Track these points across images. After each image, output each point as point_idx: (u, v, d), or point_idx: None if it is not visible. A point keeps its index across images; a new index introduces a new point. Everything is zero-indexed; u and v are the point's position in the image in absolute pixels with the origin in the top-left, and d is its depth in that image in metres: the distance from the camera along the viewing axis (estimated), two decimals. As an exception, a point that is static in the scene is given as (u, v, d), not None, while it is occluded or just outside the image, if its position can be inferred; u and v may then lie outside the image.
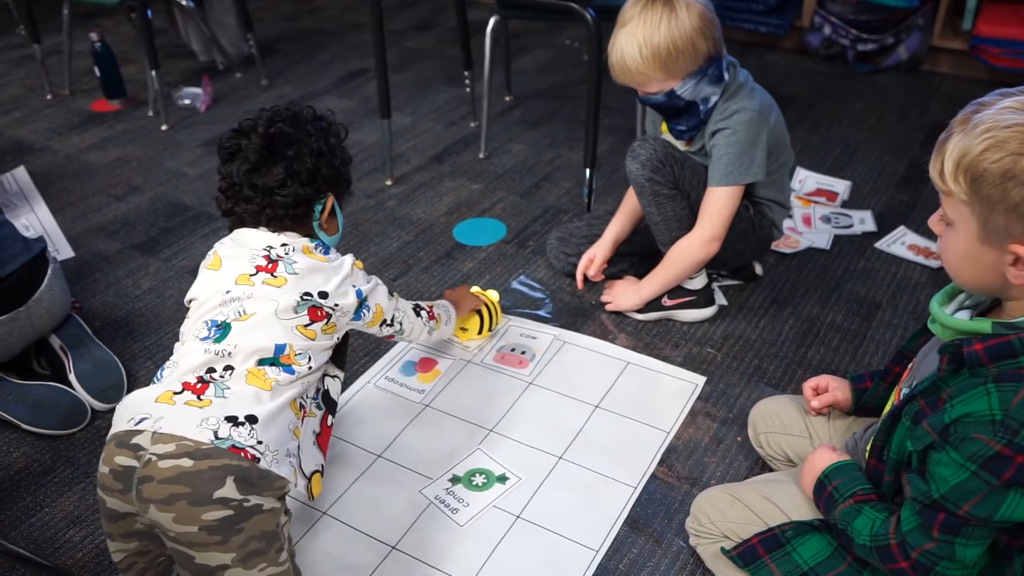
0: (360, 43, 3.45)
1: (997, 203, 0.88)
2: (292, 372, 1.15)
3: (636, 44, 1.54)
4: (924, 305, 1.83)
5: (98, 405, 1.59)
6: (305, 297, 1.19)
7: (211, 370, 1.12)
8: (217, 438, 1.04)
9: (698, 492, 1.30)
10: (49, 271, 1.62)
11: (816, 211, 2.18)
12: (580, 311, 1.85)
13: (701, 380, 1.64)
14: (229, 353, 1.12)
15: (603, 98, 2.03)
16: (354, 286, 1.26)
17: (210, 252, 1.26)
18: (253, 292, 1.18)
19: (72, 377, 1.61)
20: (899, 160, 2.44)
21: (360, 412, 1.59)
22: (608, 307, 1.82)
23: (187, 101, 2.90)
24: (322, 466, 1.22)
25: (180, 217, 2.25)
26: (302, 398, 1.18)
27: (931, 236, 2.05)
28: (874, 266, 1.97)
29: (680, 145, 1.72)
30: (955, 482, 0.92)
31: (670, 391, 1.62)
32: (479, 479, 1.44)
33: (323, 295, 1.21)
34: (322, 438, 1.23)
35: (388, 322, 1.38)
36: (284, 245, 1.22)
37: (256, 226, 1.24)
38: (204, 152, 2.59)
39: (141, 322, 1.85)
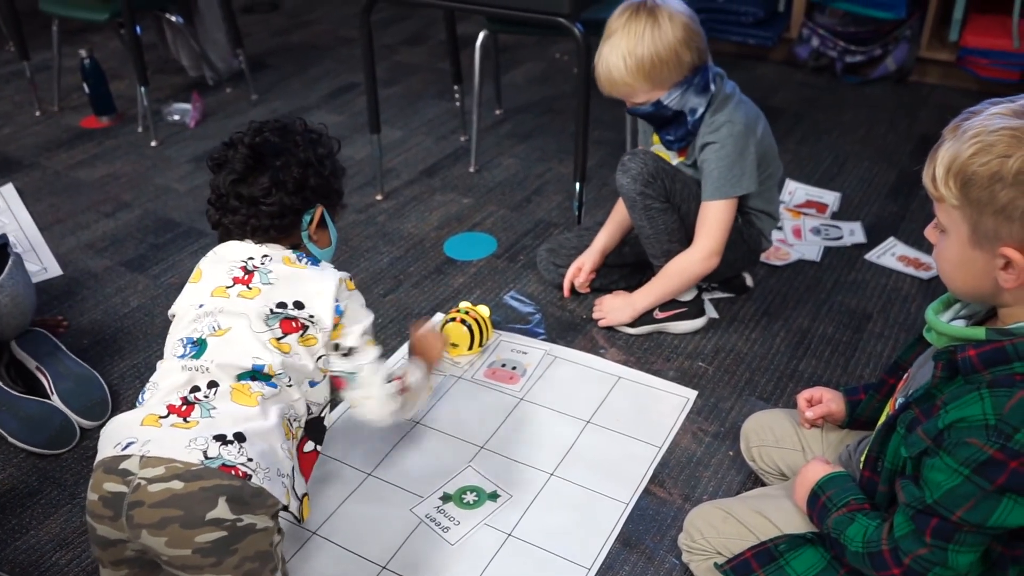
0: (350, 57, 3.45)
1: (986, 206, 0.89)
2: (275, 386, 1.13)
3: (621, 55, 1.56)
4: (915, 316, 1.83)
5: (85, 423, 1.58)
6: (277, 308, 1.17)
7: (195, 388, 1.10)
8: (207, 458, 1.02)
9: (691, 507, 1.29)
10: (10, 261, 1.60)
11: (806, 223, 2.18)
12: (571, 326, 1.84)
13: (693, 394, 1.64)
14: (207, 369, 1.11)
15: (593, 111, 2.03)
16: (336, 300, 1.21)
17: (196, 267, 1.26)
18: (226, 306, 1.17)
19: (55, 399, 1.59)
20: (888, 171, 2.44)
21: (350, 429, 1.58)
22: (601, 323, 1.82)
23: (176, 117, 2.89)
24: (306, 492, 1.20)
25: (170, 233, 2.24)
26: (288, 419, 1.15)
27: (921, 247, 2.05)
28: (864, 278, 1.97)
29: (673, 157, 1.73)
30: (948, 487, 0.92)
31: (662, 406, 1.61)
32: (470, 497, 1.43)
33: (298, 305, 1.18)
34: (303, 463, 1.21)
35: (347, 352, 1.23)
36: (265, 256, 1.21)
37: (242, 238, 1.24)
38: (193, 168, 2.59)
39: (129, 340, 1.84)
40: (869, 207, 2.26)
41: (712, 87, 1.62)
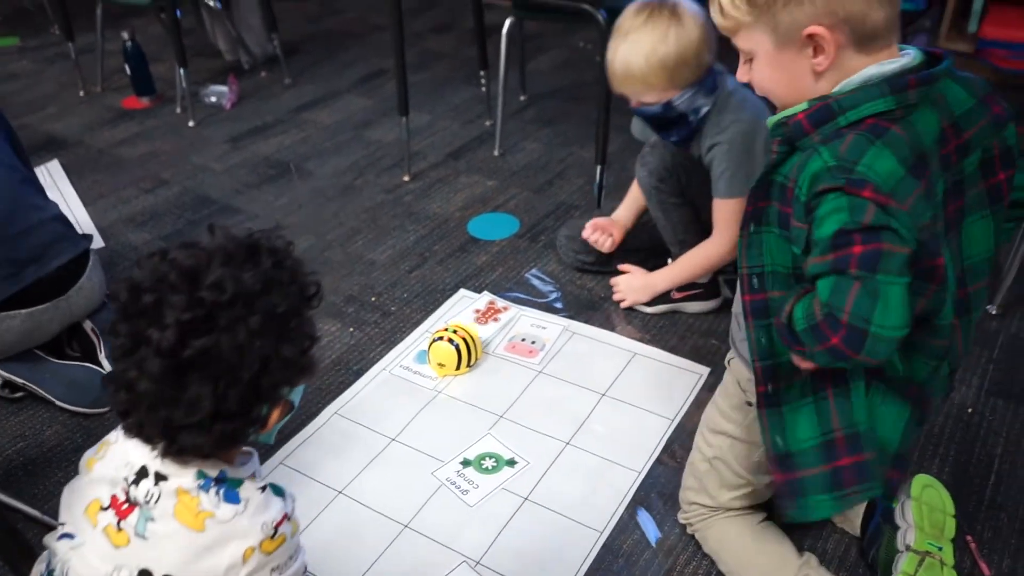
0: (381, 44, 3.52)
1: (772, 3, 0.94)
2: None
3: (643, 53, 1.54)
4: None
5: (128, 386, 1.66)
6: None
7: None
8: None
9: (698, 476, 1.35)
10: (90, 263, 1.70)
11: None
12: (589, 303, 1.91)
13: (705, 371, 1.69)
14: None
15: (614, 98, 2.07)
16: None
17: (100, 443, 0.93)
18: (87, 542, 0.87)
19: (102, 358, 1.69)
20: (908, 161, 2.46)
21: (375, 398, 1.66)
22: (622, 304, 1.87)
23: (213, 99, 2.98)
24: None
25: (206, 210, 2.33)
26: None
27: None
28: (878, 264, 2.01)
29: None
30: (839, 224, 0.89)
31: (676, 381, 1.67)
32: (489, 462, 1.50)
33: None
34: None
35: None
36: (159, 479, 0.85)
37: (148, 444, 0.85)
38: (229, 148, 2.68)
39: (168, 310, 1.92)
40: (886, 196, 2.29)
41: (718, 87, 1.62)
